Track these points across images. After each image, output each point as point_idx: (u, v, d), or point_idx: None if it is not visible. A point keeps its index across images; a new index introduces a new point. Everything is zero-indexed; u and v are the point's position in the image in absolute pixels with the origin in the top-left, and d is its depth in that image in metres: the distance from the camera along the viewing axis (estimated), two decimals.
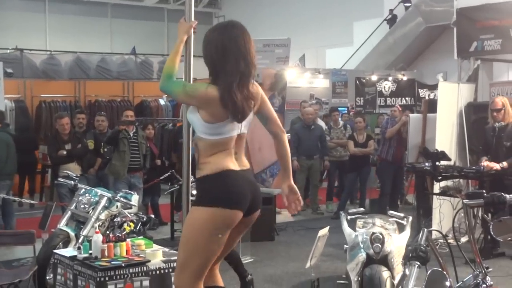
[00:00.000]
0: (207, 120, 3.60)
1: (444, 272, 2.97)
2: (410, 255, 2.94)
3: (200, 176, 3.67)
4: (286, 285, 6.80)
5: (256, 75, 9.30)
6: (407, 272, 2.90)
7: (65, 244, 6.46)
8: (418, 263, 2.91)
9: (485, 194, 3.20)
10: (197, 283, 3.68)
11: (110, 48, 20.39)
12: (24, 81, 13.57)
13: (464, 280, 3.23)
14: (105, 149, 9.25)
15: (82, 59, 15.38)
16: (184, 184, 3.82)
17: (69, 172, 7.74)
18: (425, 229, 3.13)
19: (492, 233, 3.18)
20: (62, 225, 6.74)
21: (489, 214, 6.26)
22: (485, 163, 7.70)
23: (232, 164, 3.67)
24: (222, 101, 3.56)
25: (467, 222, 3.25)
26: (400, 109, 11.34)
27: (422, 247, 2.95)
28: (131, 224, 6.43)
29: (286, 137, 3.95)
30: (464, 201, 3.21)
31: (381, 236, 5.23)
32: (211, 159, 3.65)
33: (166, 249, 4.91)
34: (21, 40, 16.98)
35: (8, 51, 14.77)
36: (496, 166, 7.61)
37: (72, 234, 6.62)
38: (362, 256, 5.25)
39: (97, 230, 5.37)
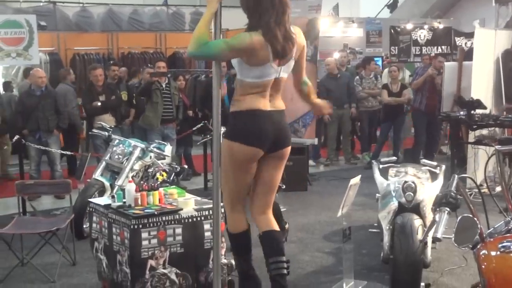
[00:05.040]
0: (251, 64, 3.87)
1: (475, 219, 2.94)
2: (440, 201, 2.92)
3: (232, 111, 4.03)
4: (318, 234, 6.85)
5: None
6: (437, 218, 2.88)
7: (101, 194, 6.60)
8: (448, 209, 2.88)
9: None
10: (234, 210, 4.24)
11: None
12: (58, 34, 13.63)
13: (495, 226, 3.20)
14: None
15: (114, 11, 15.31)
16: (214, 135, 3.81)
17: (103, 123, 7.84)
18: (456, 176, 3.09)
19: None
20: (97, 175, 6.87)
21: None
22: None
23: (263, 105, 3.98)
24: (266, 40, 3.81)
25: (499, 168, 3.20)
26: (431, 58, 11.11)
27: (452, 193, 2.92)
28: (164, 173, 6.50)
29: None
30: (497, 147, 3.16)
31: (413, 185, 5.19)
32: (245, 97, 3.98)
33: (198, 198, 4.95)
34: None
35: (41, 4, 14.77)
36: None
37: (107, 184, 6.76)
38: (394, 204, 5.23)
39: (130, 179, 5.43)
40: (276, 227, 4.38)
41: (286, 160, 4.31)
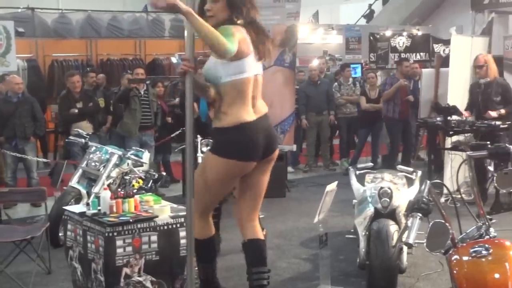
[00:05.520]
0: (231, 58, 3.78)
1: (447, 224, 2.96)
2: (412, 207, 2.94)
3: (218, 126, 3.94)
4: (296, 240, 6.85)
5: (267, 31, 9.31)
6: (409, 223, 2.90)
7: (77, 201, 6.55)
8: (420, 214, 2.90)
9: (490, 146, 3.17)
10: (203, 216, 4.19)
11: (123, 6, 20.15)
12: (36, 40, 13.52)
13: (468, 231, 3.23)
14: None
15: (93, 17, 15.20)
16: (187, 143, 3.72)
17: (80, 130, 7.78)
18: (428, 181, 3.12)
19: (496, 184, 3.16)
20: (73, 182, 6.82)
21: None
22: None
23: (248, 115, 3.93)
24: (247, 32, 3.89)
25: (470, 174, 3.23)
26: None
27: (424, 199, 2.94)
28: (140, 180, 6.46)
29: None
30: (468, 152, 3.18)
31: (389, 191, 5.22)
32: (229, 110, 3.89)
33: (174, 205, 4.93)
34: None
35: (19, 10, 14.65)
36: (493, 113, 7.88)
37: (83, 191, 6.71)
38: (370, 210, 5.26)
39: (106, 186, 5.39)
40: (261, 235, 4.37)
41: (274, 162, 4.32)
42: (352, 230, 6.05)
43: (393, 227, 4.96)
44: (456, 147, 8.08)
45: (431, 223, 2.94)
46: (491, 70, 7.99)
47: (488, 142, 3.29)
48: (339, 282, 5.39)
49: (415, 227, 2.87)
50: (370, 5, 18.98)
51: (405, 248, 4.97)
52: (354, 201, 6.00)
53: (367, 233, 5.12)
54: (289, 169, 10.53)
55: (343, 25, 16.24)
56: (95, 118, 9.12)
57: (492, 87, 7.98)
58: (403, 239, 3.39)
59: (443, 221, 3.00)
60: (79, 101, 8.91)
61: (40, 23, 14.48)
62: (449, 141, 8.38)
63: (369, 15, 18.82)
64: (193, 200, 3.74)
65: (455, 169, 7.93)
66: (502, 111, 7.91)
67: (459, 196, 6.28)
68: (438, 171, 8.68)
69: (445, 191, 7.18)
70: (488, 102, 7.99)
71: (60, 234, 6.29)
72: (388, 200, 5.17)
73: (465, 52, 8.94)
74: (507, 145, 3.15)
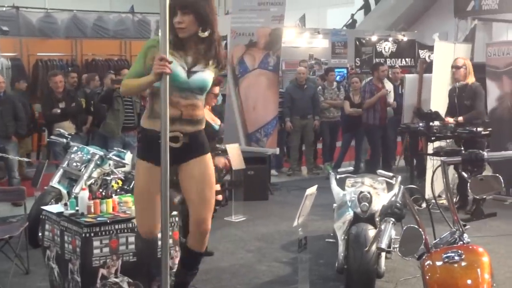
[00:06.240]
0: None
1: (420, 229, 2.97)
2: (386, 211, 2.95)
3: (202, 128, 4.06)
4: (277, 244, 6.85)
5: (251, 34, 9.34)
6: (382, 228, 2.91)
7: (57, 201, 6.48)
8: (393, 219, 2.91)
9: (463, 152, 3.19)
10: None
11: (109, 6, 20.08)
12: (21, 40, 13.45)
13: (441, 237, 3.24)
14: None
15: (78, 17, 15.15)
16: (162, 150, 3.61)
17: (62, 130, 7.74)
18: (402, 187, 3.13)
19: (470, 190, 3.18)
20: (54, 182, 6.77)
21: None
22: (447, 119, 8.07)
23: None
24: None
25: (444, 180, 3.24)
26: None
27: (397, 204, 2.95)
28: (119, 181, 6.44)
29: None
30: (442, 158, 3.20)
31: (368, 195, 5.24)
32: (202, 112, 4.03)
33: None
34: None
35: (4, 8, 14.56)
36: (451, 120, 7.98)
37: (64, 191, 6.66)
38: (349, 214, 5.27)
39: (84, 187, 5.37)
40: None
41: None
42: (332, 234, 6.07)
43: (371, 232, 4.97)
44: (438, 152, 8.11)
45: (404, 228, 2.95)
46: (469, 74, 8.04)
47: (462, 148, 3.30)
48: (318, 286, 5.41)
49: (388, 232, 2.88)
50: (353, 15, 19.10)
51: (383, 253, 4.99)
52: (334, 205, 6.01)
53: (346, 237, 5.13)
54: (273, 172, 10.53)
55: (329, 29, 16.30)
56: (78, 118, 9.08)
57: (465, 91, 8.04)
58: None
59: (416, 226, 3.01)
60: (61, 101, 8.87)
61: (25, 22, 14.41)
62: (431, 147, 8.42)
63: (351, 24, 18.94)
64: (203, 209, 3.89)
65: (437, 175, 7.98)
66: (460, 118, 7.98)
67: (440, 201, 6.33)
68: (421, 176, 8.72)
69: (426, 196, 7.23)
70: (461, 107, 8.05)
71: (39, 234, 6.25)
72: (367, 204, 5.18)
73: (448, 58, 8.98)
74: (481, 151, 3.17)
